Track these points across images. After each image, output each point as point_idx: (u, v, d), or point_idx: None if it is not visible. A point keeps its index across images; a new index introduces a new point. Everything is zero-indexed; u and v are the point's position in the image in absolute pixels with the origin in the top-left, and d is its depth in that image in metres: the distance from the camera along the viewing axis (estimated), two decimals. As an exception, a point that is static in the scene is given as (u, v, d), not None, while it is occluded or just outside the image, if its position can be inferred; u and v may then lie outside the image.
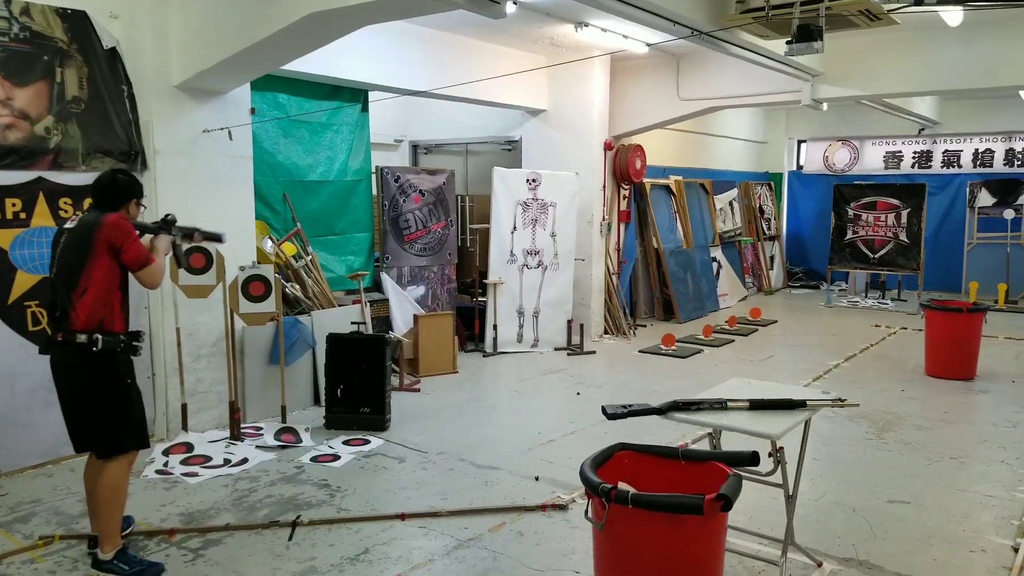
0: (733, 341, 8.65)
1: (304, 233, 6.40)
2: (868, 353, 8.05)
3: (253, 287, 5.13)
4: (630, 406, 3.21)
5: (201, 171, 5.16)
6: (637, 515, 2.54)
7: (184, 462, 4.64)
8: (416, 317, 6.94)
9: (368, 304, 6.44)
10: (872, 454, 4.93)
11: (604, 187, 8.82)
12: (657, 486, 2.82)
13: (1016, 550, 3.56)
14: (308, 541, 3.70)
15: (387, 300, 7.03)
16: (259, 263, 5.37)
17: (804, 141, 14.15)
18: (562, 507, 4.06)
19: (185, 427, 5.04)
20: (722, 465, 2.81)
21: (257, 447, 4.92)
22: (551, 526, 3.87)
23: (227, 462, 4.66)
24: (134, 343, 3.37)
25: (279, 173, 6.41)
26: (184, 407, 5.06)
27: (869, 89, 7.98)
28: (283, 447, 4.98)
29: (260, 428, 5.24)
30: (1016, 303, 10.89)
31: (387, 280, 7.13)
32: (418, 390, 6.48)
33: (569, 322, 8.25)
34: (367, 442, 5.12)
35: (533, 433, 5.39)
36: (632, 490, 2.58)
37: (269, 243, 6.03)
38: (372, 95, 7.18)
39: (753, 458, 2.81)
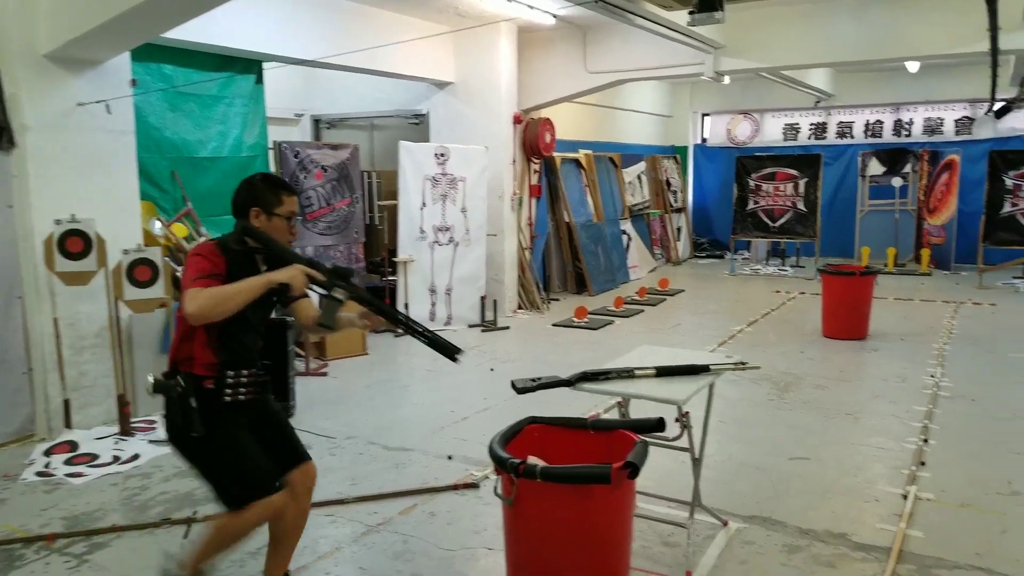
0: (643, 311, 8.78)
1: (196, 213, 6.05)
2: (769, 318, 8.33)
3: (139, 272, 4.80)
4: (539, 379, 3.16)
5: (78, 148, 4.75)
6: (546, 488, 2.50)
7: (68, 462, 4.30)
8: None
9: (270, 286, 6.16)
10: (774, 414, 5.08)
11: (514, 161, 8.74)
12: (567, 457, 2.79)
13: (905, 497, 3.72)
14: (207, 537, 3.50)
15: (291, 281, 6.73)
16: (146, 246, 5.03)
17: (708, 114, 14.48)
18: (474, 485, 3.99)
19: (68, 424, 4.69)
20: (630, 433, 2.80)
21: (150, 442, 4.62)
22: (463, 504, 3.80)
23: (116, 459, 4.35)
24: (218, 387, 2.55)
25: (167, 149, 6.02)
26: (67, 403, 4.69)
27: (768, 61, 8.17)
28: (181, 439, 4.70)
29: (153, 421, 4.93)
30: (904, 266, 11.51)
31: (290, 261, 6.83)
32: (325, 374, 6.27)
33: (482, 298, 8.17)
34: (272, 429, 4.90)
35: (446, 412, 5.30)
36: (541, 464, 2.52)
37: (158, 224, 5.67)
38: (267, 65, 6.82)
39: (659, 424, 2.81)
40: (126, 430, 4.70)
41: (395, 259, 7.73)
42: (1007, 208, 9.87)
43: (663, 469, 3.84)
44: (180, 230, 5.91)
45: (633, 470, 2.45)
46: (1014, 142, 11.32)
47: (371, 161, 9.27)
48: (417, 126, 9.09)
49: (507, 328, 7.99)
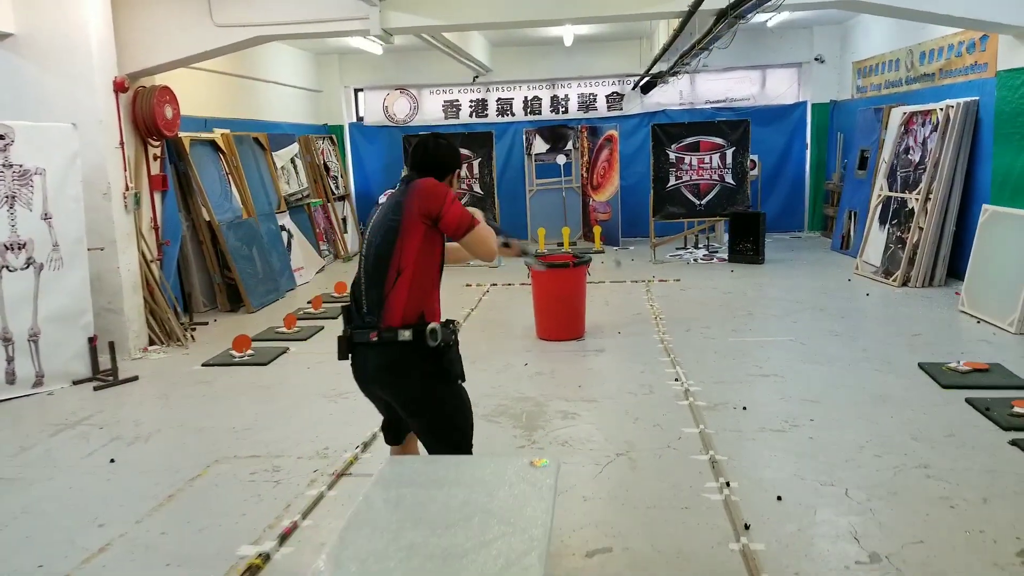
0: (323, 328, 7.06)
1: None
2: (472, 320, 7.23)
3: None
4: None
5: None
6: None
7: None
8: None
9: None
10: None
11: (122, 144, 6.34)
12: None
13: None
14: None
15: None
16: None
17: (361, 90, 13.04)
18: None
19: None
20: None
21: None
22: None
23: None
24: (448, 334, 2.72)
25: None
26: None
27: (441, 18, 6.94)
28: None
29: None
30: (575, 245, 11.40)
31: None
32: None
33: (92, 340, 5.72)
34: None
35: (28, 569, 3.10)
36: None
37: None
38: None
39: None
40: None
41: (-72, 301, 4.93)
42: (672, 181, 10.09)
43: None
44: None
45: None
46: (660, 116, 11.84)
47: None
48: (-44, 95, 6.12)
49: (135, 379, 5.69)
